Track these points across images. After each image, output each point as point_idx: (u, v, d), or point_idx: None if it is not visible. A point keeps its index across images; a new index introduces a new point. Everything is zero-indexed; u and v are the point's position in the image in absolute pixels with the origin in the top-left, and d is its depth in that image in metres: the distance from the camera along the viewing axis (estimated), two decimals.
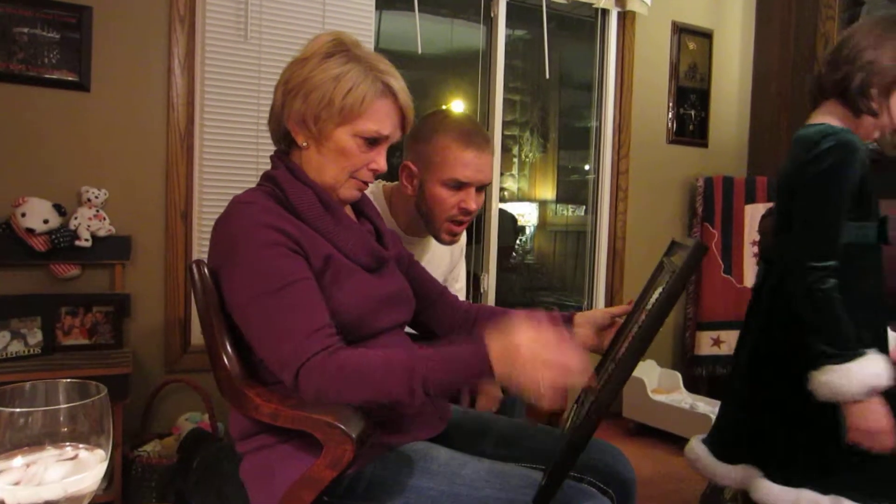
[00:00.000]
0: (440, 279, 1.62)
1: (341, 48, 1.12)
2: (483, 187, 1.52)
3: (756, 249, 3.23)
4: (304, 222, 1.10)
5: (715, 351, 3.30)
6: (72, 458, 0.59)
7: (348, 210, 1.24)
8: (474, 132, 1.47)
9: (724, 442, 1.60)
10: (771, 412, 1.47)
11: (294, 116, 1.12)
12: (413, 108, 1.17)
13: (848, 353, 1.30)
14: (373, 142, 1.13)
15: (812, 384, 1.34)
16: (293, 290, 1.02)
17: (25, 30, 2.10)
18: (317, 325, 1.00)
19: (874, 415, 1.29)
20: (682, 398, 3.06)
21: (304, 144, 1.14)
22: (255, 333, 1.04)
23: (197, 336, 2.37)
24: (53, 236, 2.04)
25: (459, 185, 1.46)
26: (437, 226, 1.51)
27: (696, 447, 1.64)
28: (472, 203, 1.49)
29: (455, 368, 0.92)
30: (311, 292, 1.03)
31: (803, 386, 1.36)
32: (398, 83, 1.13)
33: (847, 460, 1.37)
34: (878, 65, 1.41)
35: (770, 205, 3.11)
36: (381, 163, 1.15)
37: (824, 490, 1.37)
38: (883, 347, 1.44)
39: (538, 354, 0.86)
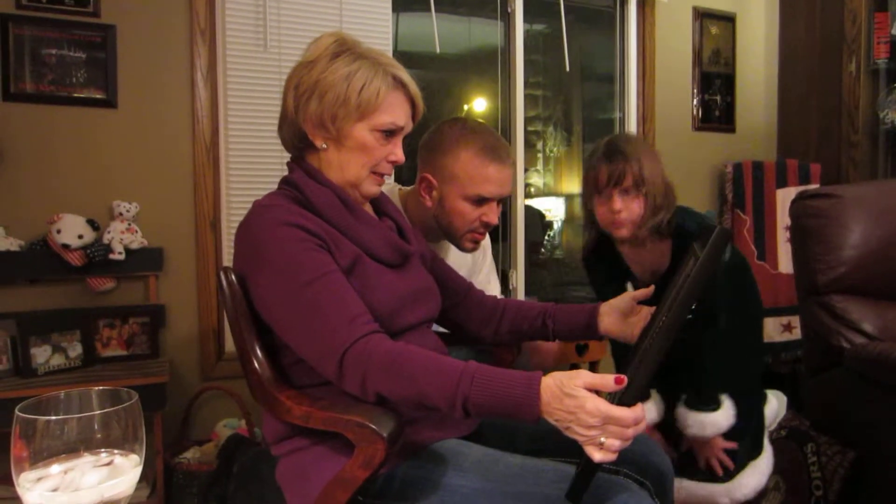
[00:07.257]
0: None
1: (345, 47, 1.14)
2: (503, 199, 1.50)
3: (789, 234, 3.16)
4: (327, 222, 1.11)
5: None
6: (107, 464, 0.61)
7: (368, 209, 1.25)
8: (496, 146, 1.45)
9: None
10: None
11: (311, 119, 1.13)
12: (422, 97, 1.20)
13: None
14: (390, 134, 1.15)
15: None
16: (325, 281, 1.02)
17: (54, 51, 2.15)
18: (355, 313, 1.00)
19: None
20: None
21: (324, 146, 1.15)
22: (291, 330, 1.03)
23: (231, 343, 2.40)
24: (88, 251, 2.09)
25: (482, 201, 1.45)
26: (457, 237, 1.50)
27: None
28: (494, 217, 1.48)
29: (501, 398, 0.89)
30: (343, 283, 1.04)
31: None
32: (406, 75, 1.16)
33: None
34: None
35: (802, 188, 3.05)
36: (399, 154, 1.17)
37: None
38: None
39: (602, 410, 0.84)
